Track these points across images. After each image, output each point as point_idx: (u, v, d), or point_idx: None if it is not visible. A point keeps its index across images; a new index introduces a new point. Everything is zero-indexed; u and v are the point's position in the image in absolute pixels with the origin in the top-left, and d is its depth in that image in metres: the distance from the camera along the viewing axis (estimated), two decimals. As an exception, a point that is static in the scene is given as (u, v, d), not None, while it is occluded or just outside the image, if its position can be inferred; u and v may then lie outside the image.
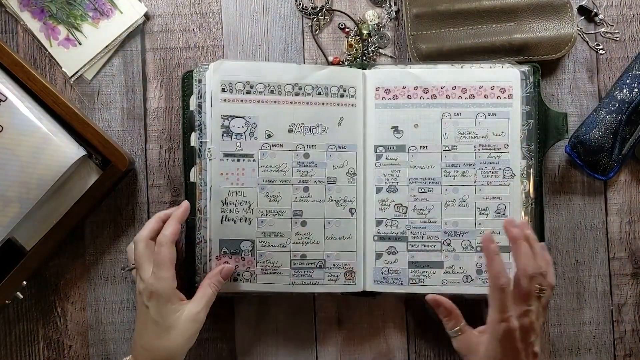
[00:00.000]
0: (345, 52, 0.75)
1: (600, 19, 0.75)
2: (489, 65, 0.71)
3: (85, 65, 0.74)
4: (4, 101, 0.67)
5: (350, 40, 0.75)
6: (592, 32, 0.75)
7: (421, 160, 0.71)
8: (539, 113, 0.71)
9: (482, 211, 0.70)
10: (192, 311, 0.64)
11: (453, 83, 0.70)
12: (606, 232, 0.75)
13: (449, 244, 0.70)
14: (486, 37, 0.72)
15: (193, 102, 0.70)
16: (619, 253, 0.75)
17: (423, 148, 0.71)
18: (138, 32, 0.75)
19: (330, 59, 0.75)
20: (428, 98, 0.71)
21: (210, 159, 0.69)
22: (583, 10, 0.75)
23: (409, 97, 0.71)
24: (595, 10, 0.75)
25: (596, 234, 0.75)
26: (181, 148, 0.73)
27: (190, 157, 0.71)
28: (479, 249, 0.70)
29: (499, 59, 0.72)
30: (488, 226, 0.70)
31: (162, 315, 0.62)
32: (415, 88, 0.71)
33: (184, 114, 0.72)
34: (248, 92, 0.69)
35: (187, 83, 0.71)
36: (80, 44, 0.74)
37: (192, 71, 0.71)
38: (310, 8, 0.75)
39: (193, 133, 0.70)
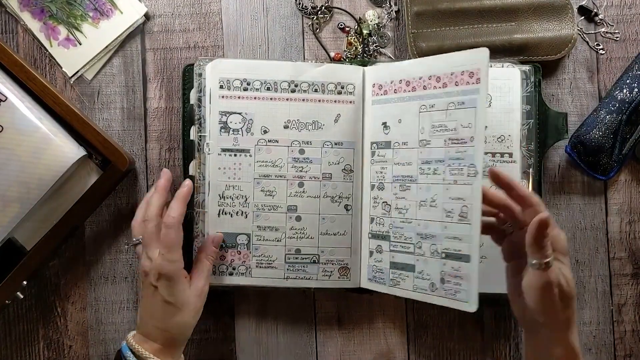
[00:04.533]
0: (345, 50, 0.75)
1: (601, 19, 0.75)
2: (490, 64, 0.71)
3: (85, 65, 0.74)
4: (4, 101, 0.67)
5: (350, 38, 0.75)
6: (592, 32, 0.75)
7: (403, 157, 0.67)
8: (539, 113, 0.71)
9: (448, 213, 0.63)
10: (197, 286, 0.65)
11: (429, 72, 0.65)
12: (606, 232, 0.75)
13: (420, 247, 0.65)
14: (486, 37, 0.72)
15: (193, 96, 0.71)
16: (619, 253, 0.75)
17: (404, 144, 0.67)
18: (138, 32, 0.75)
19: (332, 54, 0.75)
20: (409, 91, 0.67)
21: (208, 154, 0.70)
22: (583, 10, 0.75)
23: (395, 91, 0.68)
24: (595, 11, 0.75)
25: (596, 234, 0.75)
26: (181, 141, 0.73)
27: (189, 150, 0.71)
28: (444, 255, 0.63)
29: (499, 59, 0.72)
30: (452, 231, 0.62)
31: (174, 295, 0.63)
32: (400, 82, 0.68)
33: (184, 107, 0.72)
34: (245, 89, 0.70)
35: (188, 77, 0.72)
36: (80, 44, 0.74)
37: (192, 65, 0.71)
38: (310, 7, 0.75)
39: (193, 127, 0.71)
